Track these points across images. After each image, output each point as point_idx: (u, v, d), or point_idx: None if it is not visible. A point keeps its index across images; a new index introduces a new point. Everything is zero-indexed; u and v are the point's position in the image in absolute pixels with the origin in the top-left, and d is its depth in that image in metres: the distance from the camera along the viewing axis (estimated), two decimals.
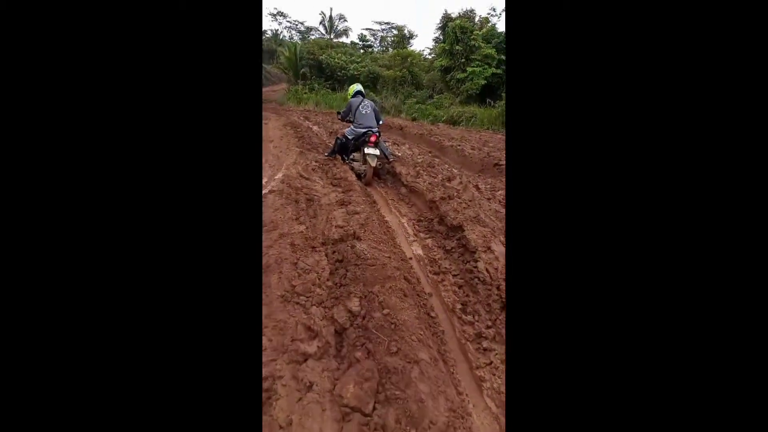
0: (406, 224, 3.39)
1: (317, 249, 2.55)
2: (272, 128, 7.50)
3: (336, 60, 15.41)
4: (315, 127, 7.81)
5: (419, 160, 5.05)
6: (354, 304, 1.88)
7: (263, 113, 10.19)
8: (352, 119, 4.67)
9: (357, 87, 4.95)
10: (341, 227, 2.89)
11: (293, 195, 3.75)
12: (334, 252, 2.55)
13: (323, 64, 15.38)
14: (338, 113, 5.15)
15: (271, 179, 4.26)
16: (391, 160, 4.81)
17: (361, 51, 19.75)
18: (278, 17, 27.88)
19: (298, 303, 1.96)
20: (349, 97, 4.92)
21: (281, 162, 4.95)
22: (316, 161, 4.91)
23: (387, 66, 15.46)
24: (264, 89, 20.23)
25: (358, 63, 15.57)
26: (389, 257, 2.35)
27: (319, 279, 2.17)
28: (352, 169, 4.59)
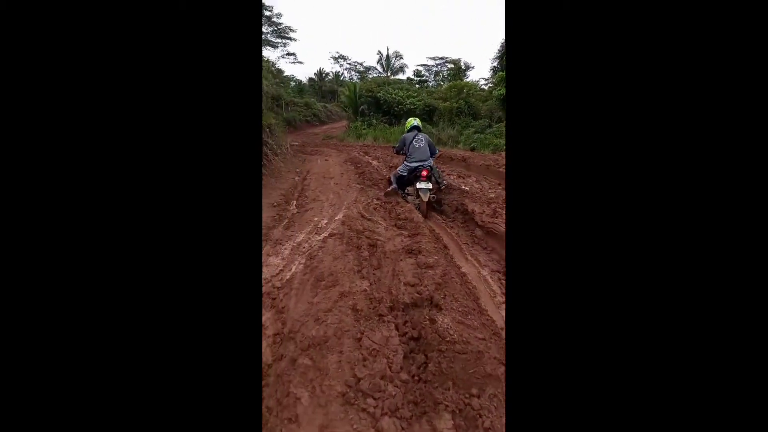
0: (488, 278, 2.73)
1: (385, 318, 1.99)
2: (333, 164, 7.22)
3: (393, 95, 15.29)
4: (374, 162, 7.43)
5: (491, 196, 4.39)
6: (445, 425, 1.26)
7: (325, 150, 10.08)
8: (405, 152, 4.47)
9: (414, 122, 4.77)
10: (412, 286, 2.31)
11: (354, 239, 3.25)
12: (406, 323, 1.97)
13: (381, 100, 15.30)
14: (393, 147, 5.01)
15: (331, 220, 3.82)
16: (443, 186, 4.50)
17: (417, 86, 19.65)
18: (339, 60, 28.90)
19: (364, 409, 1.39)
20: (405, 130, 4.77)
21: (342, 200, 4.53)
22: (377, 199, 4.43)
23: (443, 98, 15.08)
24: (325, 126, 20.75)
25: (414, 97, 15.34)
26: (483, 339, 1.72)
27: (390, 367, 1.59)
28: (407, 202, 4.39)
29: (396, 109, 15.11)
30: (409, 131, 4.64)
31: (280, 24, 20.12)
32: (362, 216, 3.87)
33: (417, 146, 4.35)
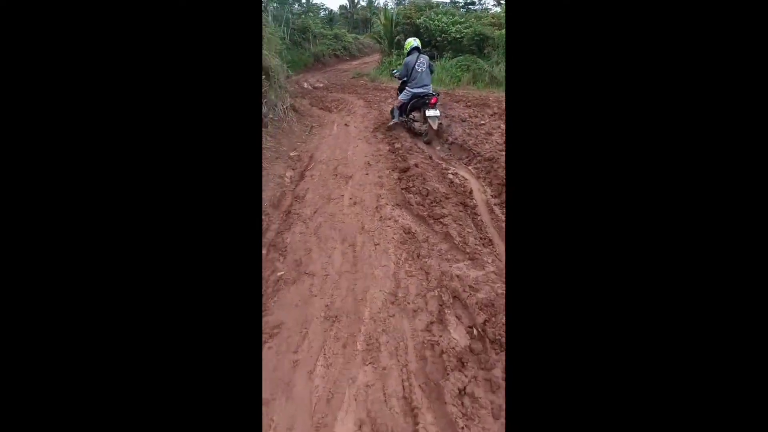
0: None
1: None
2: (354, 137, 4.12)
3: (435, 22, 11.26)
4: None
5: None
6: None
7: (348, 99, 6.83)
8: (408, 77, 3.96)
9: (414, 43, 4.13)
10: None
11: None
12: None
13: (421, 28, 11.32)
14: (392, 72, 4.95)
15: None
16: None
17: (463, 10, 15.01)
18: None
19: None
20: (405, 52, 4.20)
21: (360, 276, 1.62)
22: (458, 279, 1.48)
23: (497, 25, 10.90)
24: (356, 62, 16.83)
25: (461, 23, 11.21)
26: None
27: None
28: (412, 129, 4.00)
29: (439, 39, 11.17)
30: (409, 54, 4.07)
31: None
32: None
33: (419, 70, 3.91)
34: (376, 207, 2.34)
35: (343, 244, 1.97)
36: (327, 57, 16.88)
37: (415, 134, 3.91)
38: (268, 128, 3.72)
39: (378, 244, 1.93)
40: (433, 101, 3.76)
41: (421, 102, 3.88)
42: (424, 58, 3.99)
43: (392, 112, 4.24)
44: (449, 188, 2.60)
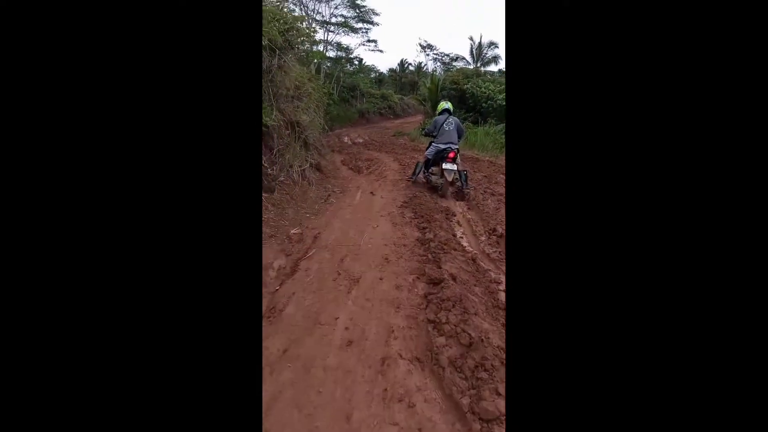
0: None
1: None
2: (377, 212, 3.27)
3: (482, 89, 10.81)
4: (467, 221, 3.35)
5: None
6: None
7: (383, 160, 6.16)
8: (435, 134, 4.03)
9: (445, 105, 4.35)
10: None
11: None
12: None
13: (467, 93, 10.93)
14: (422, 129, 5.19)
15: None
16: (466, 191, 3.81)
17: None
18: (426, 49, 24.18)
19: None
20: (437, 112, 4.36)
21: None
22: None
23: None
24: (399, 120, 16.80)
25: None
26: None
27: None
28: (430, 182, 4.04)
29: (485, 105, 10.65)
30: (440, 114, 4.24)
31: (363, 7, 15.95)
32: None
33: (447, 129, 3.98)
34: (383, 360, 1.38)
35: None
36: (372, 114, 16.98)
37: (433, 189, 3.91)
38: (275, 194, 2.98)
39: None
40: (450, 155, 3.73)
41: (440, 156, 3.84)
42: (453, 119, 4.08)
43: (416, 167, 4.29)
44: (503, 328, 1.61)
